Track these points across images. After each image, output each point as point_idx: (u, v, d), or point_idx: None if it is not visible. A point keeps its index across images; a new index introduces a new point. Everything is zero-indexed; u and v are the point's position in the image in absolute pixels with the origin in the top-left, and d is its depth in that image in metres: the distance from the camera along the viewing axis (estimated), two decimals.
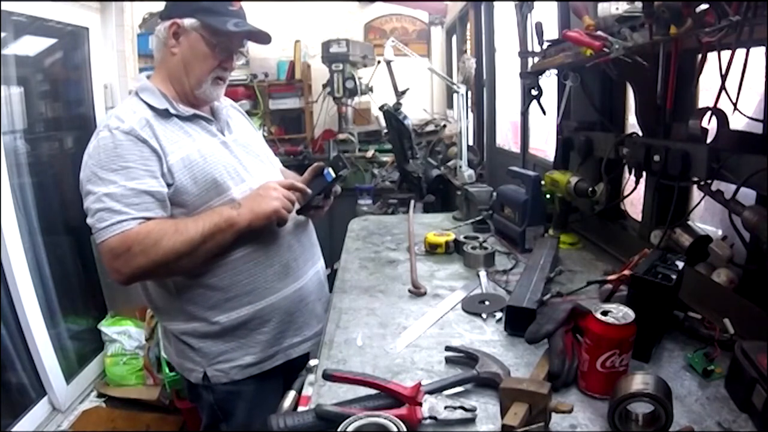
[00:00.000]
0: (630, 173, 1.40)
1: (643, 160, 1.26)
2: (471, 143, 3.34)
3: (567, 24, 1.70)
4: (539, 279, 1.22)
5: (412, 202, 2.43)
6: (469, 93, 3.12)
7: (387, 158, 3.93)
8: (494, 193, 1.94)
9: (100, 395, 2.76)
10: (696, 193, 1.27)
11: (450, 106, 4.34)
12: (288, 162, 3.31)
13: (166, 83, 1.26)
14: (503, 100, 3.11)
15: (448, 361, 0.99)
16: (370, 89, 4.07)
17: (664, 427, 0.72)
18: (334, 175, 1.34)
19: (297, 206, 1.30)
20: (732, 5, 0.81)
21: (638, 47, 1.11)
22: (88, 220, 1.12)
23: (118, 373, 2.78)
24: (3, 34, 2.35)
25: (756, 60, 0.94)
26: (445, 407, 0.80)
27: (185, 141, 1.21)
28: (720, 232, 1.25)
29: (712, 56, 0.99)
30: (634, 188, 1.42)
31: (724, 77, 0.94)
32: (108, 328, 2.83)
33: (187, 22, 1.21)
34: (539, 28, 1.60)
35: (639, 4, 1.13)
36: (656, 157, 1.21)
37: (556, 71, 1.64)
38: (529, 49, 1.78)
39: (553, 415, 0.76)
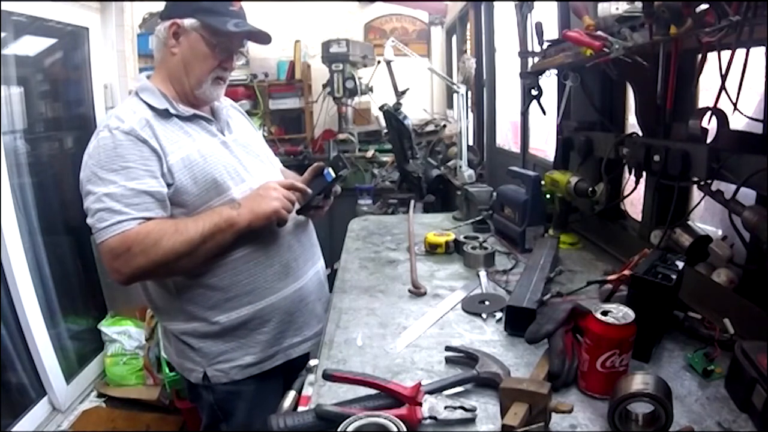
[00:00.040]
0: (630, 173, 1.40)
1: (643, 160, 1.26)
2: (471, 143, 3.35)
3: (567, 24, 1.70)
4: (539, 279, 1.22)
5: (412, 202, 2.43)
6: (469, 93, 3.12)
7: (387, 158, 3.93)
8: (494, 193, 1.94)
9: (100, 395, 2.76)
10: (696, 193, 1.27)
11: (450, 106, 4.34)
12: (288, 162, 3.31)
13: (166, 83, 1.26)
14: (503, 100, 3.11)
15: (448, 361, 0.99)
16: (370, 89, 4.07)
17: (664, 427, 0.72)
18: (334, 175, 1.34)
19: (297, 206, 1.30)
20: (732, 5, 0.81)
21: (638, 47, 1.11)
22: (88, 220, 1.12)
23: (118, 373, 2.78)
24: (3, 34, 2.35)
25: (756, 60, 0.94)
26: (445, 407, 0.80)
27: (185, 141, 1.21)
28: (720, 232, 1.25)
29: (712, 56, 0.99)
30: (634, 188, 1.42)
31: (724, 77, 0.94)
32: (108, 328, 2.83)
33: (187, 22, 1.21)
34: (539, 28, 1.60)
35: (639, 4, 1.13)
36: (656, 157, 1.21)
37: (556, 71, 1.64)
38: (529, 49, 1.78)
39: (553, 415, 0.76)
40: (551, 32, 1.65)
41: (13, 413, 2.29)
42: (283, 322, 1.31)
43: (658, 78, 1.14)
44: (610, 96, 1.67)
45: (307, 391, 0.92)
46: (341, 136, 4.11)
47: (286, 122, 4.52)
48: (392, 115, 2.77)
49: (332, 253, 1.93)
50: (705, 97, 1.24)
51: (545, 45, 1.62)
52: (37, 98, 2.80)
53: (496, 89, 3.15)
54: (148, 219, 1.12)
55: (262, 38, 1.30)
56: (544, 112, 1.76)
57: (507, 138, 3.21)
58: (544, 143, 2.52)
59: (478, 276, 1.41)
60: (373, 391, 0.84)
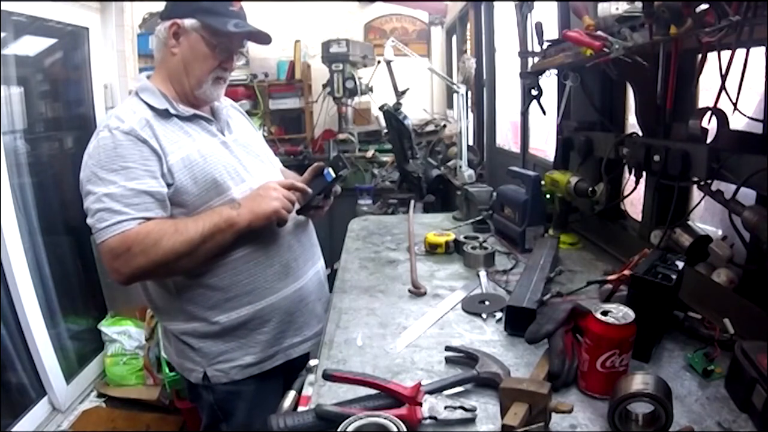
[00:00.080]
0: (630, 173, 1.40)
1: (643, 160, 1.26)
2: (471, 143, 3.35)
3: (567, 24, 1.70)
4: (539, 279, 1.22)
5: (412, 202, 2.43)
6: (469, 93, 3.12)
7: (387, 158, 3.93)
8: (494, 193, 1.94)
9: (100, 395, 2.76)
10: (696, 193, 1.27)
11: (450, 106, 4.34)
12: (288, 162, 3.31)
13: (166, 83, 1.26)
14: (503, 100, 3.11)
15: (448, 361, 0.99)
16: (370, 89, 4.07)
17: (664, 427, 0.72)
18: (334, 175, 1.34)
19: (297, 206, 1.30)
20: (732, 5, 0.81)
21: (638, 47, 1.11)
22: (88, 220, 1.12)
23: (118, 373, 2.78)
24: (3, 34, 2.35)
25: (756, 60, 0.94)
26: (445, 407, 0.80)
27: (185, 141, 1.21)
28: (720, 232, 1.25)
29: (712, 56, 0.99)
30: (634, 188, 1.42)
31: (724, 77, 0.94)
32: (108, 328, 2.83)
33: (188, 22, 1.21)
34: (539, 28, 1.60)
35: (639, 4, 1.13)
36: (656, 157, 1.21)
37: (556, 71, 1.64)
38: (529, 49, 1.78)
39: (553, 415, 0.76)
40: (551, 32, 1.65)
41: (13, 413, 2.29)
42: (283, 322, 1.31)
43: (658, 78, 1.14)
44: (610, 96, 1.67)
45: (307, 391, 0.92)
46: (341, 136, 4.11)
47: (286, 122, 4.52)
48: (392, 115, 2.77)
49: (332, 253, 1.93)
50: (705, 97, 1.24)
51: (545, 45, 1.62)
52: (37, 98, 2.80)
53: (496, 89, 3.15)
54: (148, 219, 1.12)
55: (262, 38, 1.30)
56: (544, 112, 1.76)
57: (507, 138, 3.21)
58: (544, 143, 2.52)
59: (478, 276, 1.41)
60: (373, 391, 0.84)
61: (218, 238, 1.16)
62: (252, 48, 1.49)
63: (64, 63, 2.98)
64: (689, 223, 1.26)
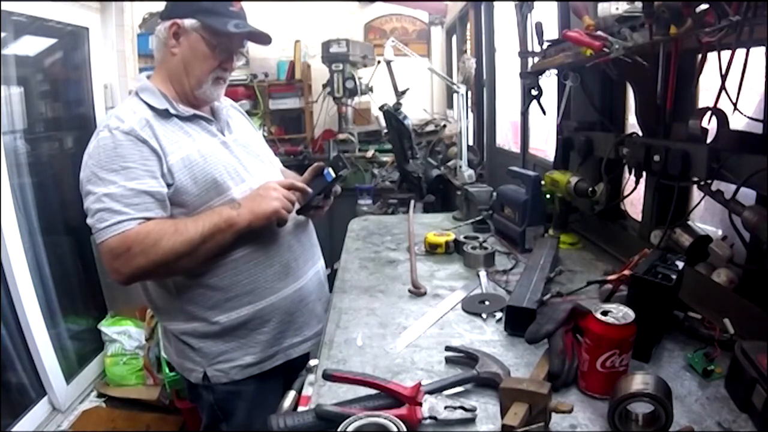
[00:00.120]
0: (630, 173, 1.40)
1: (643, 160, 1.26)
2: (471, 143, 3.34)
3: (567, 24, 1.70)
4: (539, 279, 1.22)
5: (412, 202, 2.43)
6: (469, 93, 3.12)
7: (387, 158, 3.93)
8: (494, 193, 1.94)
9: (100, 395, 2.76)
10: (696, 193, 1.27)
11: (450, 106, 4.34)
12: (288, 162, 3.31)
13: (166, 83, 1.26)
14: (503, 100, 3.11)
15: (448, 361, 0.99)
16: (370, 89, 4.07)
17: (664, 427, 0.72)
18: (334, 175, 1.34)
19: (297, 206, 1.30)
20: (732, 5, 0.81)
21: (638, 47, 1.11)
22: (88, 221, 1.12)
23: (118, 373, 2.78)
24: (3, 34, 2.35)
25: (756, 60, 0.94)
26: (445, 407, 0.80)
27: (185, 141, 1.21)
28: (720, 232, 1.25)
29: (712, 56, 0.99)
30: (634, 188, 1.42)
31: (724, 77, 0.94)
32: (108, 328, 2.83)
33: (188, 22, 1.21)
34: (539, 28, 1.60)
35: (639, 4, 1.13)
36: (656, 157, 1.21)
37: (556, 71, 1.64)
38: (529, 49, 1.78)
39: (553, 415, 0.76)
40: (551, 32, 1.65)
41: (13, 413, 2.29)
42: (283, 322, 1.31)
43: (658, 78, 1.14)
44: (610, 96, 1.67)
45: (307, 391, 0.92)
46: (341, 136, 4.10)
47: (286, 122, 4.52)
48: (392, 115, 2.77)
49: (332, 253, 1.93)
50: (705, 97, 1.24)
51: (545, 45, 1.62)
52: (37, 98, 2.80)
53: (496, 89, 3.15)
54: (148, 219, 1.12)
55: (263, 39, 1.30)
56: (544, 112, 1.76)
57: (507, 138, 3.21)
58: (544, 143, 2.52)
59: (478, 276, 1.41)
60: (373, 391, 0.84)
61: (218, 238, 1.16)
62: (252, 48, 1.49)
63: (64, 63, 2.98)
64: (689, 223, 1.26)
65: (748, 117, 1.04)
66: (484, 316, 1.17)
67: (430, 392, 0.84)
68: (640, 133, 1.40)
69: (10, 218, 2.29)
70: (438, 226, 1.90)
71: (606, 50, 1.13)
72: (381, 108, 2.92)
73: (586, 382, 0.86)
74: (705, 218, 1.34)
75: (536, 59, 1.74)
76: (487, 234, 1.81)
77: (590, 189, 1.49)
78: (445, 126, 3.95)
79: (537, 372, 0.88)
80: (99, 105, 3.07)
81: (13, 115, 2.48)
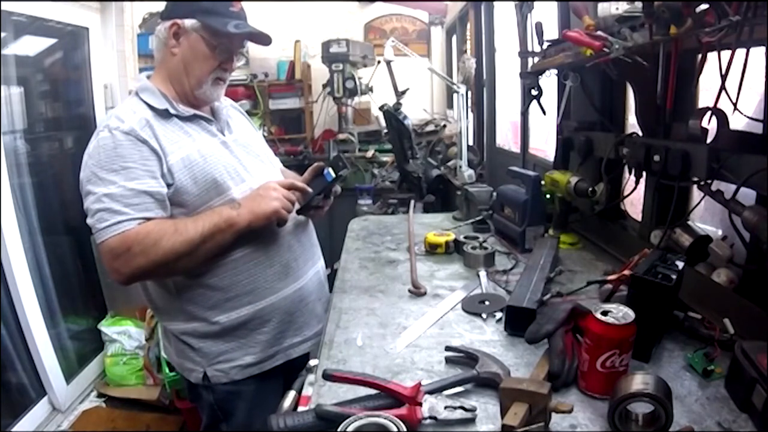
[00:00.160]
0: (630, 173, 1.40)
1: (643, 160, 1.26)
2: (471, 143, 3.35)
3: (567, 24, 1.70)
4: (539, 279, 1.22)
5: (412, 202, 2.43)
6: (469, 93, 3.12)
7: (387, 158, 3.93)
8: (494, 193, 1.94)
9: (100, 395, 2.76)
10: (696, 193, 1.27)
11: (450, 106, 4.34)
12: (288, 162, 3.30)
13: (166, 83, 1.26)
14: (503, 100, 3.11)
15: (448, 361, 0.99)
16: (370, 89, 4.07)
17: (664, 427, 0.72)
18: (334, 175, 1.34)
19: (297, 206, 1.30)
20: (732, 5, 0.81)
21: (638, 47, 1.11)
22: (88, 221, 1.12)
23: (118, 373, 2.78)
24: (3, 34, 2.35)
25: (756, 60, 0.94)
26: (445, 407, 0.80)
27: (185, 141, 1.21)
28: (720, 232, 1.25)
29: (712, 56, 0.99)
30: (634, 188, 1.42)
31: (724, 77, 0.94)
32: (108, 328, 2.83)
33: (188, 22, 1.21)
34: (539, 28, 1.60)
35: (639, 4, 1.13)
36: (656, 157, 1.21)
37: (556, 71, 1.64)
38: (529, 49, 1.78)
39: (553, 415, 0.76)
40: (551, 32, 1.65)
41: (13, 413, 2.29)
42: (283, 322, 1.31)
43: (658, 78, 1.14)
44: (610, 96, 1.67)
45: (307, 391, 0.92)
46: (341, 136, 4.11)
47: (286, 122, 4.52)
48: (392, 115, 2.77)
49: (332, 253, 1.93)
50: (705, 97, 1.24)
51: (545, 45, 1.62)
52: (37, 98, 2.80)
53: (496, 89, 3.15)
54: (148, 219, 1.12)
55: (263, 39, 1.30)
56: (544, 112, 1.76)
57: (507, 138, 3.21)
58: (544, 143, 2.52)
59: (478, 276, 1.41)
60: (373, 391, 0.84)
61: (218, 238, 1.16)
62: (252, 48, 1.49)
63: (64, 63, 2.98)
64: (689, 223, 1.26)
65: (748, 117, 1.04)
66: (484, 316, 1.17)
67: (430, 392, 0.84)
68: (640, 133, 1.40)
69: (10, 218, 2.29)
70: (438, 226, 1.90)
71: (606, 50, 1.13)
72: (381, 108, 2.92)
73: (586, 382, 0.86)
74: (705, 218, 1.34)
75: (536, 59, 1.74)
76: (487, 234, 1.81)
77: (590, 189, 1.49)
78: (445, 126, 3.95)
79: (537, 372, 0.88)
80: (99, 105, 3.07)
81: (13, 115, 2.49)
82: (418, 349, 1.05)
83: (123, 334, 2.82)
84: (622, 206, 1.66)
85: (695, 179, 1.13)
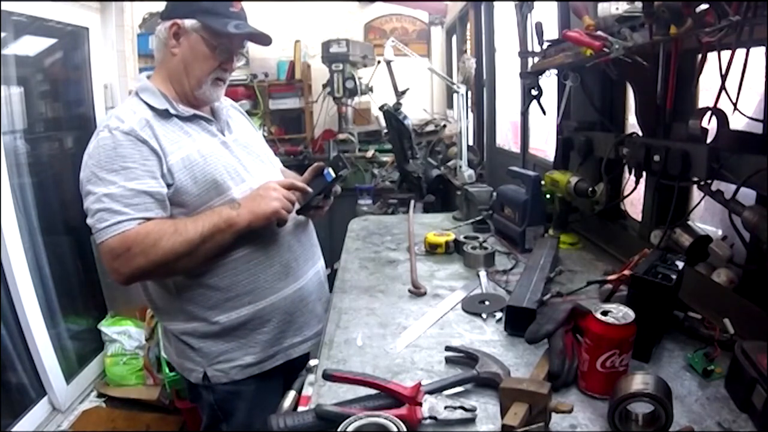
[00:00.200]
0: (630, 173, 1.40)
1: (643, 160, 1.26)
2: (471, 143, 3.35)
3: (567, 24, 1.70)
4: (539, 279, 1.22)
5: (412, 202, 2.43)
6: (469, 93, 3.12)
7: (387, 158, 3.93)
8: (494, 193, 1.94)
9: (100, 395, 2.76)
10: (696, 193, 1.27)
11: (450, 106, 4.34)
12: (288, 162, 3.30)
13: (166, 83, 1.26)
14: (503, 100, 3.11)
15: (448, 361, 0.99)
16: (370, 89, 4.07)
17: (664, 427, 0.72)
18: (334, 175, 1.34)
19: (297, 206, 1.30)
20: (732, 5, 0.81)
21: (638, 47, 1.11)
22: (88, 221, 1.12)
23: (118, 373, 2.78)
24: (3, 34, 2.35)
25: (756, 60, 0.94)
26: (445, 407, 0.80)
27: (185, 141, 1.21)
28: (720, 232, 1.25)
29: (712, 56, 0.99)
30: (634, 188, 1.42)
31: (724, 77, 0.94)
32: (108, 328, 2.83)
33: (188, 23, 1.21)
34: (539, 28, 1.60)
35: (639, 4, 1.13)
36: (656, 157, 1.21)
37: (556, 71, 1.64)
38: (529, 49, 1.78)
39: (553, 415, 0.76)
40: (551, 32, 1.65)
41: (13, 413, 2.29)
42: (283, 322, 1.31)
43: (658, 78, 1.14)
44: (610, 96, 1.67)
45: (307, 391, 0.92)
46: (341, 136, 4.10)
47: (286, 122, 4.52)
48: (392, 115, 2.77)
49: (332, 253, 1.93)
50: (705, 97, 1.24)
51: (545, 45, 1.62)
52: (37, 98, 2.80)
53: (496, 89, 3.15)
54: (148, 219, 1.12)
55: (263, 39, 1.30)
56: (544, 112, 1.76)
57: (507, 138, 3.21)
58: (544, 143, 2.52)
59: (478, 276, 1.41)
60: (373, 391, 0.84)
61: (218, 239, 1.16)
62: (252, 48, 1.49)
63: (64, 63, 2.98)
64: (689, 223, 1.26)
65: (748, 117, 1.04)
66: (484, 316, 1.17)
67: (430, 392, 0.84)
68: (640, 133, 1.40)
69: (10, 218, 2.29)
70: (438, 226, 1.90)
71: (606, 50, 1.13)
72: (381, 108, 2.92)
73: (586, 382, 0.86)
74: (705, 218, 1.34)
75: (536, 59, 1.74)
76: (487, 234, 1.81)
77: (590, 189, 1.49)
78: (445, 126, 3.95)
79: (537, 372, 0.88)
80: (99, 105, 3.07)
81: (13, 115, 2.49)
82: (418, 349, 1.05)
83: (123, 334, 2.82)
84: (622, 206, 1.66)
85: (695, 179, 1.13)
